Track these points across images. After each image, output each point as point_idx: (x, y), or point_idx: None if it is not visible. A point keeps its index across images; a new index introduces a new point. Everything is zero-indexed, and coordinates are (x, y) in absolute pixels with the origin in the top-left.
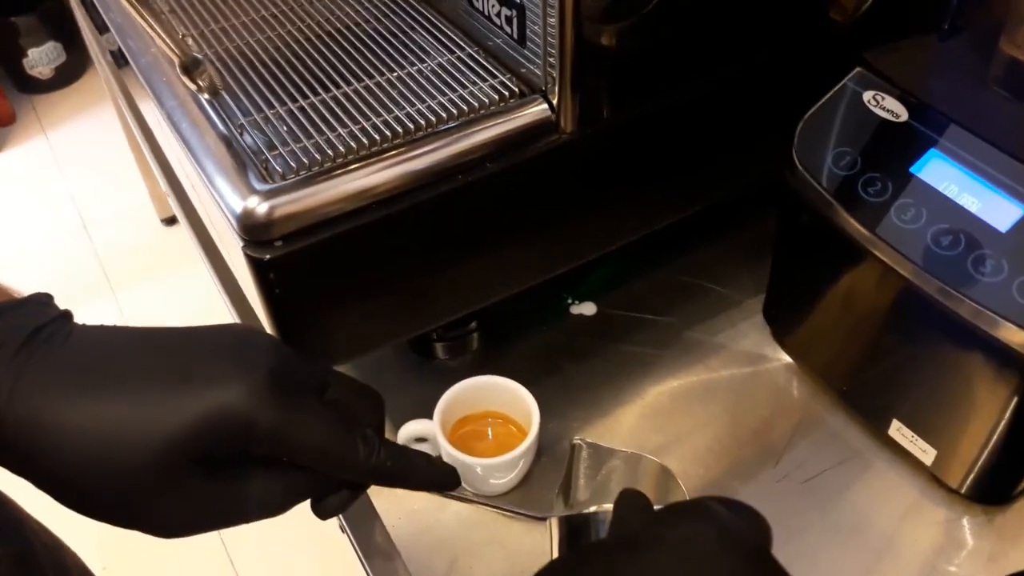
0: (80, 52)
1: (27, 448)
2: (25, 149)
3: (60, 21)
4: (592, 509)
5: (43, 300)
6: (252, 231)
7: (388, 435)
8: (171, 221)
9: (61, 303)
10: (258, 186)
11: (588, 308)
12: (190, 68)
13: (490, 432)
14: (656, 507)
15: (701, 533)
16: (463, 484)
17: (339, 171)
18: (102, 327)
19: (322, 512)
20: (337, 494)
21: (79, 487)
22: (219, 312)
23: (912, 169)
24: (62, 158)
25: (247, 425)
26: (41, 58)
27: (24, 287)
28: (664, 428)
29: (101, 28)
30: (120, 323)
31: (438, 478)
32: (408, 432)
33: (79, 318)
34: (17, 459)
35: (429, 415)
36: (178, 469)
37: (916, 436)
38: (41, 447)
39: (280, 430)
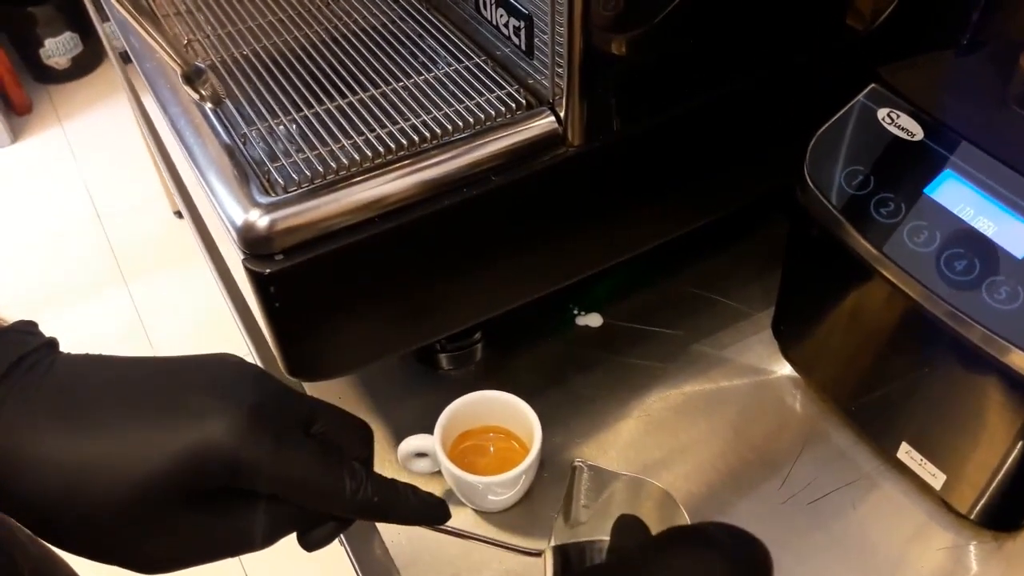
0: (96, 43)
1: (7, 483)
2: (41, 139)
3: (77, 12)
4: (588, 539)
5: (27, 329)
6: (253, 244)
7: (388, 449)
8: (183, 214)
9: (74, 293)
10: (260, 199)
11: (594, 320)
12: (192, 78)
13: (492, 447)
14: (657, 531)
15: (701, 561)
16: (465, 502)
17: (342, 184)
18: (86, 356)
19: (308, 544)
20: (323, 527)
21: (59, 521)
22: (227, 307)
23: (926, 190)
24: (77, 148)
25: (231, 460)
26: (58, 48)
27: (37, 275)
28: (668, 443)
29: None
30: (132, 312)
31: (427, 512)
32: (408, 448)
33: (91, 309)
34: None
35: (433, 424)
36: (161, 504)
37: (925, 459)
38: (20, 480)
39: (264, 465)
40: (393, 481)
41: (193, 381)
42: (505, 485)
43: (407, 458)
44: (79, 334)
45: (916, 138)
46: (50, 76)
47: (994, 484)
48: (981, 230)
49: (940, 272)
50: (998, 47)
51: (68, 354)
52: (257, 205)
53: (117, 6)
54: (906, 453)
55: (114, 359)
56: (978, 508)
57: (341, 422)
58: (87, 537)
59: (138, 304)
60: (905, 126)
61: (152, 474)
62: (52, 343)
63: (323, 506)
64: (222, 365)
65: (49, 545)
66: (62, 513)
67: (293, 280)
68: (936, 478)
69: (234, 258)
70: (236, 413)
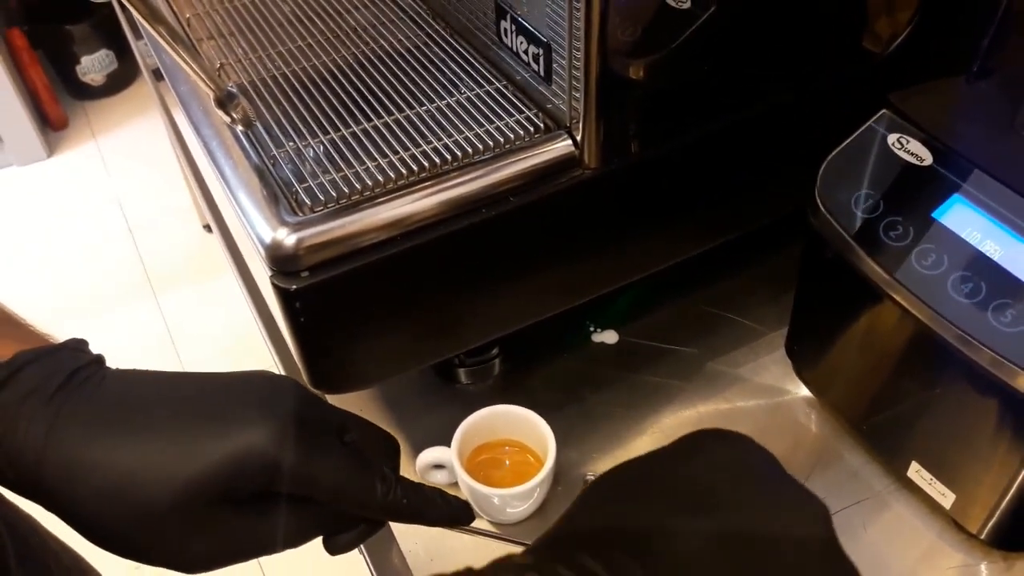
0: (131, 60)
1: (62, 486)
2: (76, 153)
3: (112, 30)
4: None
5: (78, 346)
6: (280, 262)
7: (406, 461)
8: (212, 228)
9: (105, 305)
10: (288, 218)
11: (610, 336)
12: (224, 101)
13: (507, 461)
14: None
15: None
16: (480, 513)
17: (366, 204)
18: (133, 371)
19: (333, 548)
20: (350, 532)
21: (109, 523)
22: (253, 319)
23: (935, 214)
24: (111, 163)
25: (271, 465)
26: (93, 65)
27: (69, 287)
28: None
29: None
30: (161, 324)
31: (453, 514)
32: (426, 460)
33: (121, 321)
34: (53, 497)
35: (450, 438)
36: (204, 505)
37: (935, 479)
38: (74, 483)
39: (302, 469)
40: (420, 485)
41: (236, 393)
42: (520, 497)
43: (425, 469)
44: (109, 345)
45: (925, 163)
46: (86, 92)
47: (1003, 504)
48: (988, 254)
49: (948, 295)
50: (1007, 74)
51: (117, 369)
52: (285, 224)
53: (154, 34)
54: (916, 472)
55: (161, 374)
56: (988, 528)
57: (371, 433)
58: (133, 537)
59: (167, 316)
60: (915, 151)
61: (197, 477)
62: (100, 359)
63: (356, 507)
64: (263, 379)
65: (80, 554)
66: (113, 514)
67: (318, 296)
68: (946, 497)
69: (262, 274)
70: (276, 421)
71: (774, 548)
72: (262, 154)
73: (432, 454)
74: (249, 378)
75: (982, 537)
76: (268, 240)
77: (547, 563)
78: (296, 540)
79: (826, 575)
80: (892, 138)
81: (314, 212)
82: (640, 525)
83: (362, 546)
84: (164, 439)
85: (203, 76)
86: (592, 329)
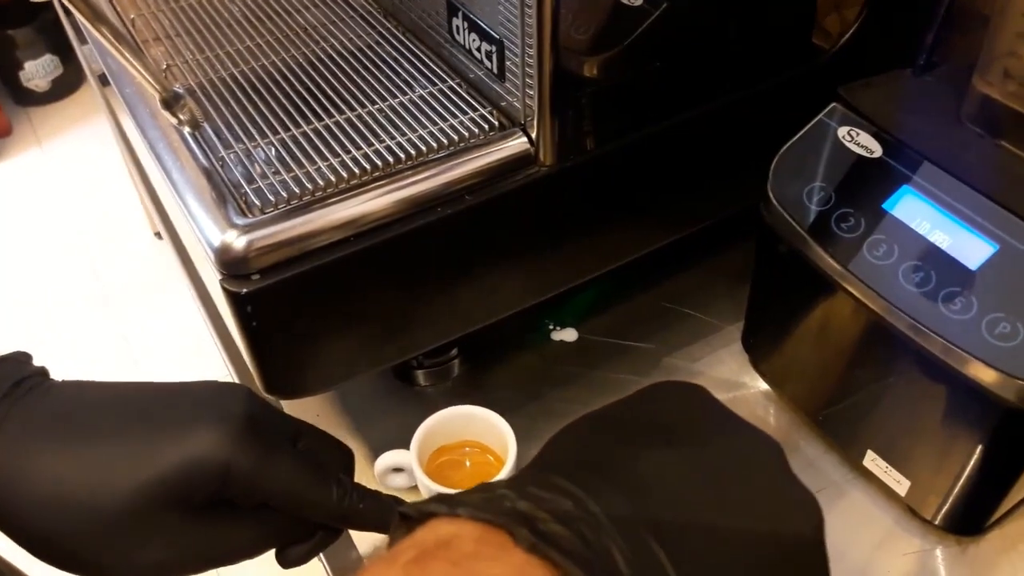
0: (76, 65)
1: (3, 496)
2: (20, 161)
3: (57, 34)
4: None
5: (21, 358)
6: (229, 265)
7: (366, 465)
8: (162, 235)
9: (54, 314)
10: (236, 220)
11: (569, 335)
12: (171, 102)
13: (468, 462)
14: None
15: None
16: None
17: (318, 204)
18: (79, 382)
19: (285, 561)
20: (304, 543)
21: (53, 534)
22: (205, 325)
23: (885, 205)
24: (57, 170)
25: (223, 469)
26: (37, 71)
27: (18, 298)
28: None
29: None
30: (114, 332)
31: None
32: (385, 464)
33: (72, 330)
34: None
35: (410, 441)
36: (153, 513)
37: (890, 467)
38: (16, 496)
39: (255, 473)
40: (376, 492)
41: (186, 400)
42: None
43: (384, 473)
44: (59, 354)
45: (875, 155)
46: (30, 98)
47: (956, 490)
48: (937, 243)
49: (899, 285)
50: (953, 68)
51: (61, 380)
52: (234, 226)
53: (97, 35)
54: (872, 461)
55: (108, 384)
56: (942, 513)
57: (324, 441)
58: (79, 547)
59: (118, 325)
60: (865, 144)
61: (145, 484)
62: (44, 371)
63: (312, 513)
64: (214, 387)
65: (21, 570)
66: (57, 524)
67: (270, 299)
68: (901, 484)
69: (212, 278)
70: (229, 426)
71: (733, 474)
72: (210, 156)
73: (391, 457)
74: (200, 386)
75: (937, 522)
76: (216, 243)
77: (522, 486)
78: (252, 550)
79: (785, 498)
80: (842, 131)
81: (264, 214)
82: (607, 455)
83: (321, 555)
84: (112, 446)
85: (148, 77)
86: (551, 327)
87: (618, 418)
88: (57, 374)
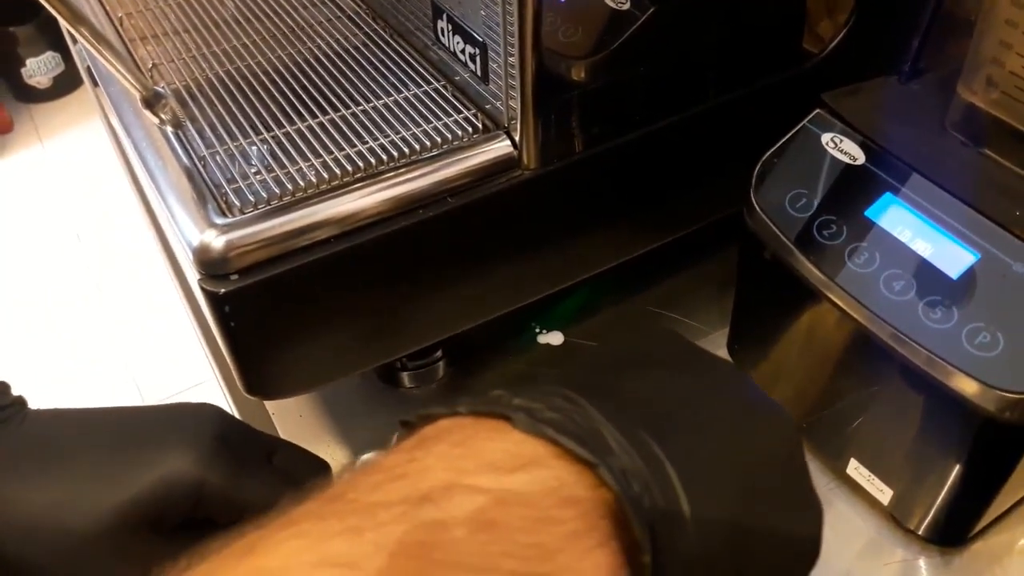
0: None
1: None
2: (21, 157)
3: (58, 32)
4: None
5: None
6: (209, 265)
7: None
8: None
9: (51, 310)
10: (216, 219)
11: (555, 338)
12: (152, 101)
13: None
14: None
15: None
16: None
17: (299, 205)
18: (54, 410)
19: None
20: None
21: (28, 559)
22: (190, 324)
23: (867, 213)
24: (58, 167)
25: (195, 488)
26: (39, 68)
27: (15, 293)
28: None
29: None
30: (106, 331)
31: None
32: None
33: (67, 326)
34: None
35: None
36: (128, 535)
37: (873, 476)
38: None
39: (231, 492)
40: None
41: (159, 423)
42: None
43: None
44: (55, 351)
45: (858, 163)
46: (31, 96)
47: (939, 500)
48: (918, 251)
49: (880, 293)
50: (938, 75)
51: (37, 409)
52: (213, 226)
53: (75, 33)
54: (855, 469)
55: (84, 411)
56: (925, 524)
57: (300, 456)
58: (58, 573)
59: (113, 320)
60: (848, 151)
61: (123, 504)
62: (22, 401)
63: None
64: (186, 408)
65: None
66: (33, 549)
67: (249, 300)
68: (884, 494)
69: (193, 278)
70: (201, 446)
71: (712, 391)
72: (193, 155)
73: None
74: (172, 408)
75: (920, 532)
76: (196, 243)
77: (517, 392)
78: None
79: (760, 419)
80: (826, 138)
81: (244, 213)
82: (594, 380)
83: None
84: (87, 470)
85: (128, 76)
86: (538, 331)
87: (599, 352)
88: (57, 374)
